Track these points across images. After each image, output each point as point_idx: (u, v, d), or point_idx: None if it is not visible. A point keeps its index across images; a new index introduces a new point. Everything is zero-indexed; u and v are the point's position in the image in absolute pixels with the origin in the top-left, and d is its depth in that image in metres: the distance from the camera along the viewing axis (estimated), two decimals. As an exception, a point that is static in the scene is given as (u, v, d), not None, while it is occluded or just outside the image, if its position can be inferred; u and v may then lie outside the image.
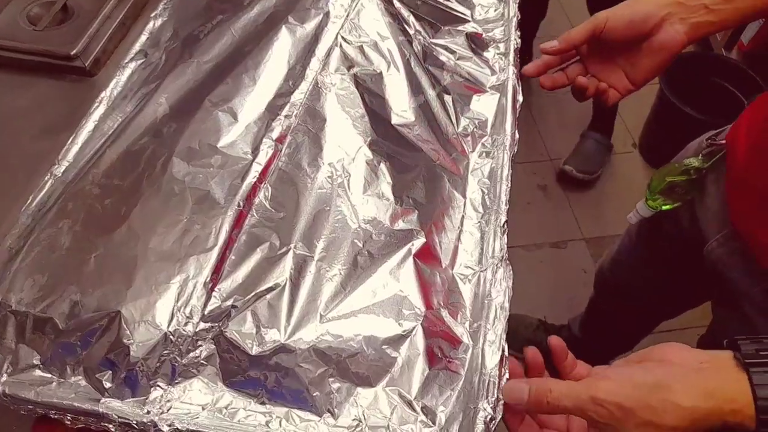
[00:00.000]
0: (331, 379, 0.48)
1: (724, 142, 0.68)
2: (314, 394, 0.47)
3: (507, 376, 0.48)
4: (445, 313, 0.52)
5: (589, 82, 0.65)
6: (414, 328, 0.50)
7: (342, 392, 0.48)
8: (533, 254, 1.59)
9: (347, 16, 0.68)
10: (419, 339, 0.50)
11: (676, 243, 0.82)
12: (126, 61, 0.69)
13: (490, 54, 0.74)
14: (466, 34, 0.74)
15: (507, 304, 0.52)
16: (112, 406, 0.46)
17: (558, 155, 1.79)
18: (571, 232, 1.65)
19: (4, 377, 0.47)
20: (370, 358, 0.48)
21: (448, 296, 0.54)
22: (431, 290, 0.53)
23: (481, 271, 0.55)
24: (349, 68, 0.65)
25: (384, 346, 0.49)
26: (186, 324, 0.49)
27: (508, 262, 0.55)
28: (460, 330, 0.51)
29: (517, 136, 0.64)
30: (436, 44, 0.71)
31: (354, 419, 0.47)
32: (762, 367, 0.38)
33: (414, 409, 0.47)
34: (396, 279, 0.52)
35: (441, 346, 0.50)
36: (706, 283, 0.74)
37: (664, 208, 0.78)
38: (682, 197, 0.76)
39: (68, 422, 0.47)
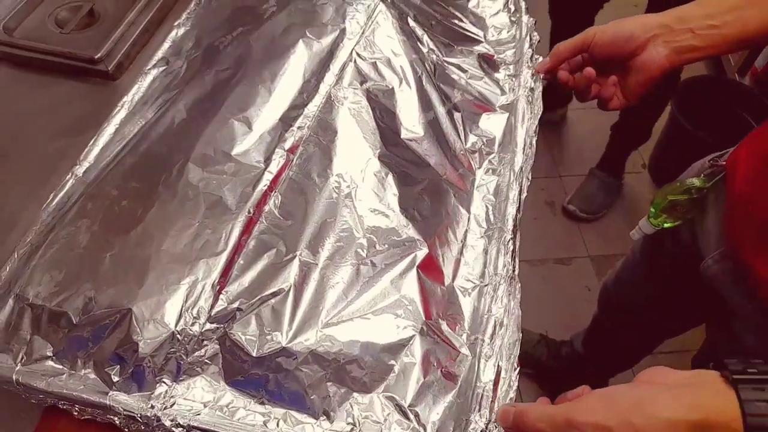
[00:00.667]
0: (328, 383, 0.50)
1: (724, 164, 0.69)
2: (312, 397, 0.49)
3: (511, 395, 0.49)
4: (443, 324, 0.54)
5: (585, 82, 0.66)
6: (412, 337, 0.52)
7: (339, 396, 0.49)
8: (537, 269, 1.60)
9: (363, 33, 0.71)
10: (417, 348, 0.51)
11: (676, 260, 0.83)
12: (148, 67, 0.72)
13: (500, 75, 0.76)
14: (478, 54, 0.76)
15: (508, 321, 0.53)
16: (119, 399, 0.48)
17: (568, 171, 1.80)
18: (577, 249, 1.65)
19: (18, 366, 0.50)
20: (367, 364, 0.50)
21: (448, 308, 0.55)
22: (431, 301, 0.55)
23: (483, 285, 0.57)
24: (362, 83, 0.67)
25: (382, 354, 0.51)
26: (193, 324, 0.51)
27: (517, 281, 0.56)
28: (458, 341, 0.53)
29: (531, 159, 0.65)
30: (448, 62, 0.73)
31: (349, 423, 0.49)
32: (750, 383, 0.37)
33: (407, 417, 0.49)
34: (397, 289, 0.54)
35: (438, 356, 0.52)
36: (704, 301, 0.75)
37: (665, 225, 0.79)
38: (684, 216, 0.77)
39: (76, 413, 0.50)
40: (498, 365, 0.50)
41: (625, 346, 1.18)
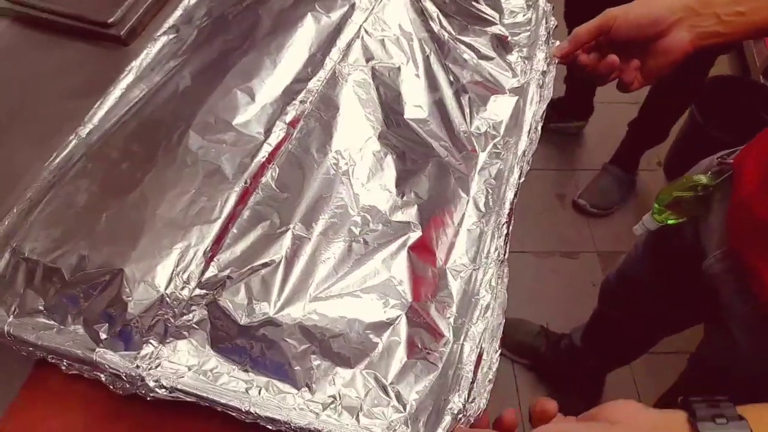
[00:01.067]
0: (313, 356, 0.50)
1: (732, 162, 0.68)
2: (295, 368, 0.50)
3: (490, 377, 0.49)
4: (431, 307, 0.54)
5: (607, 69, 0.65)
6: (398, 317, 0.52)
7: (321, 369, 0.50)
8: (543, 261, 1.59)
9: (372, 9, 0.70)
10: (402, 328, 0.52)
11: (678, 258, 0.82)
12: (158, 34, 0.72)
13: (513, 57, 0.75)
14: (492, 34, 0.75)
15: (494, 304, 0.53)
16: (105, 356, 0.49)
17: (581, 165, 1.78)
18: (585, 243, 1.64)
19: (10, 318, 0.51)
20: (352, 340, 0.50)
21: (438, 290, 0.55)
22: (422, 283, 0.55)
23: (474, 270, 0.57)
24: (367, 60, 0.67)
25: (367, 331, 0.51)
26: (183, 288, 0.51)
27: (505, 264, 0.56)
28: (444, 324, 0.53)
29: (535, 144, 0.64)
30: (460, 41, 0.73)
31: (330, 396, 0.49)
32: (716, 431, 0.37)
33: (387, 394, 0.49)
34: (388, 268, 0.54)
35: (422, 338, 0.52)
36: (704, 299, 0.74)
37: (669, 222, 0.78)
38: (688, 213, 0.76)
39: (64, 368, 0.51)
40: (481, 347, 0.50)
41: (624, 343, 1.18)
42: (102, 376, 0.49)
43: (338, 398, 0.49)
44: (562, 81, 1.69)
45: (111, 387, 0.50)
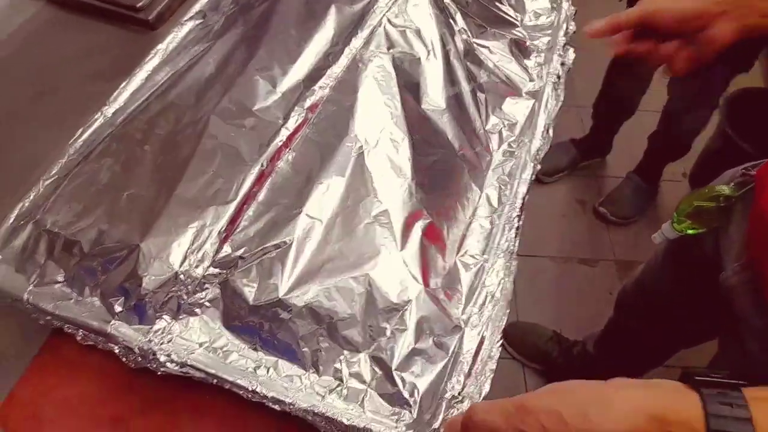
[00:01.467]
0: (320, 338, 0.51)
1: (755, 174, 0.67)
2: (303, 350, 0.50)
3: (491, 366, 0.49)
4: (441, 295, 0.54)
5: (660, 54, 0.63)
6: (408, 302, 0.52)
7: (329, 352, 0.50)
8: (560, 266, 1.58)
9: (396, 1, 0.70)
10: (412, 314, 0.52)
11: (697, 269, 0.81)
12: (185, 19, 0.73)
13: (530, 62, 0.75)
14: (510, 39, 0.75)
15: (500, 296, 0.53)
16: (120, 329, 0.50)
17: (602, 171, 1.76)
18: (603, 251, 1.62)
19: (31, 287, 0.52)
20: (360, 324, 0.51)
21: (448, 280, 0.56)
22: (431, 271, 0.55)
23: (484, 261, 0.57)
24: (388, 48, 0.67)
25: (376, 316, 0.51)
26: (197, 267, 0.52)
27: (515, 258, 0.56)
28: (453, 312, 0.53)
29: (547, 145, 0.65)
30: (478, 44, 0.73)
31: (336, 378, 0.50)
32: (713, 387, 0.35)
33: (393, 381, 0.49)
34: (399, 254, 0.54)
35: (431, 325, 0.52)
36: (721, 312, 0.73)
37: (689, 232, 0.77)
38: (709, 224, 0.75)
39: (79, 338, 0.52)
40: (482, 336, 0.50)
41: (638, 353, 1.16)
42: (116, 348, 0.50)
43: (344, 382, 0.49)
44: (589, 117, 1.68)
45: (124, 359, 0.51)
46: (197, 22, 0.74)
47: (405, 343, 0.51)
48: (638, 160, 1.68)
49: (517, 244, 0.56)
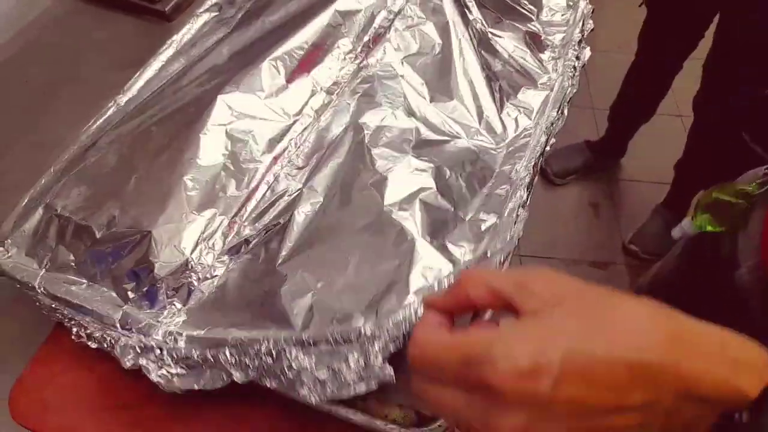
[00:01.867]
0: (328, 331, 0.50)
1: (776, 174, 0.66)
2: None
3: None
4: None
5: None
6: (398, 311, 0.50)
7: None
8: (570, 269, 1.56)
9: (410, -4, 0.70)
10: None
11: (714, 268, 0.80)
12: (201, 11, 0.74)
13: (545, 56, 0.74)
14: (525, 31, 0.75)
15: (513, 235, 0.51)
16: (132, 314, 0.50)
17: (616, 175, 1.75)
18: (615, 255, 1.61)
19: (42, 272, 0.52)
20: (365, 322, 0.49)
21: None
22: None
23: (498, 218, 0.54)
24: (399, 45, 0.67)
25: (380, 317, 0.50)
26: (207, 254, 0.52)
27: (527, 210, 0.54)
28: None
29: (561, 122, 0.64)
30: (493, 33, 0.72)
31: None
32: None
33: None
34: (398, 249, 0.52)
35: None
36: (735, 312, 0.72)
37: (708, 228, 0.76)
38: (727, 222, 0.74)
39: (81, 335, 0.51)
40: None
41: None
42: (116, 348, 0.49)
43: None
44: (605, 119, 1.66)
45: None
46: (213, 14, 0.74)
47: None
48: (648, 163, 1.65)
49: (529, 199, 0.55)
